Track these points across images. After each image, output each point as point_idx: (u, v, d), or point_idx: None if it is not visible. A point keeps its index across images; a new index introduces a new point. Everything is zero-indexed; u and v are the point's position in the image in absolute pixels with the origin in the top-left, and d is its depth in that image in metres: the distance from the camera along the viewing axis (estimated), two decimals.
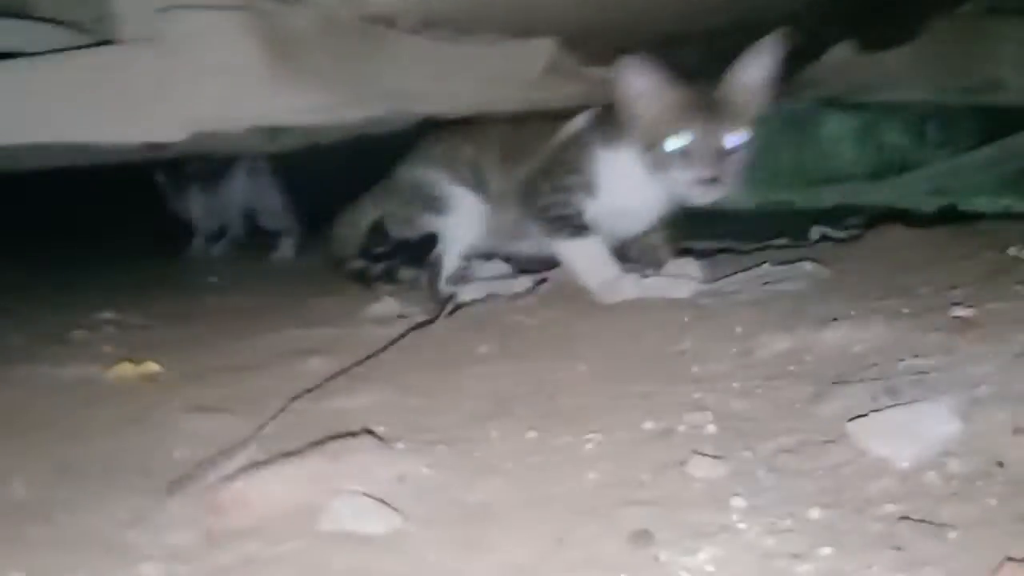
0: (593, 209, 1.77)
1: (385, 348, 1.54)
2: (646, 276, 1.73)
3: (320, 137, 2.47)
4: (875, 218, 2.25)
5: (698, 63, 1.66)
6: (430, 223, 2.05)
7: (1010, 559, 0.71)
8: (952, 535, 0.77)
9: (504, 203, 1.96)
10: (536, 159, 1.88)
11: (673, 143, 1.58)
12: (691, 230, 2.73)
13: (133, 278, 3.03)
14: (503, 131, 2.03)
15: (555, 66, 1.94)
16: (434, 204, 2.03)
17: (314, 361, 1.53)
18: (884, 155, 3.53)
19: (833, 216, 2.89)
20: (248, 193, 3.69)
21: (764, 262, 1.72)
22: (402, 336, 1.60)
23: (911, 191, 3.24)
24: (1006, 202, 2.97)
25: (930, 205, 3.20)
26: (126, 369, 1.54)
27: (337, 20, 1.66)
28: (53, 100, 1.53)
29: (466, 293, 1.91)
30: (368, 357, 1.48)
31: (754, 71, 1.58)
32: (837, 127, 3.71)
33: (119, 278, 3.07)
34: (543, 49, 1.90)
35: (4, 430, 1.29)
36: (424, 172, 2.08)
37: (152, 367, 1.55)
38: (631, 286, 1.68)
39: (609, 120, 1.71)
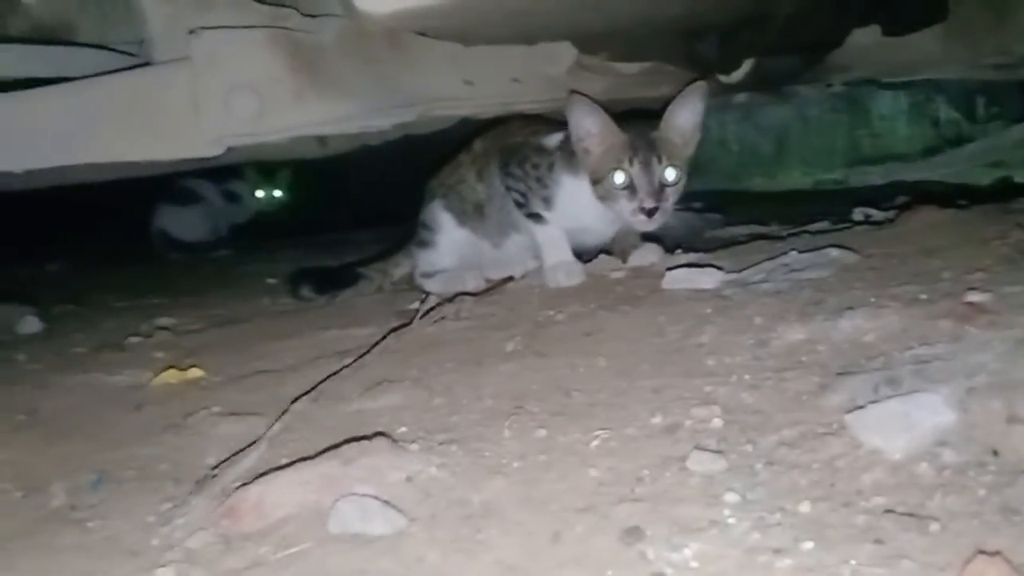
0: (549, 217, 1.94)
1: (415, 347, 1.59)
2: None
3: (368, 140, 2.53)
4: (921, 197, 2.22)
5: (717, 54, 1.67)
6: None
7: (982, 552, 0.72)
8: (934, 527, 0.78)
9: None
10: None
11: (618, 177, 1.76)
12: (741, 212, 2.76)
13: (193, 281, 3.15)
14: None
15: (581, 63, 1.96)
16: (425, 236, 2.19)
17: (350, 362, 1.58)
18: (938, 131, 3.47)
19: (886, 193, 2.85)
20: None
21: (792, 249, 1.71)
22: (431, 335, 1.65)
23: (965, 165, 3.17)
24: None
25: (985, 178, 3.13)
26: (171, 375, 1.62)
27: (362, 32, 1.71)
28: (95, 122, 1.61)
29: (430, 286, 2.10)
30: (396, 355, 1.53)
31: (685, 115, 1.78)
32: (890, 105, 3.66)
33: (180, 280, 3.20)
34: (568, 48, 1.92)
35: (51, 437, 1.38)
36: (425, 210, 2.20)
37: (196, 372, 1.63)
38: (577, 274, 1.90)
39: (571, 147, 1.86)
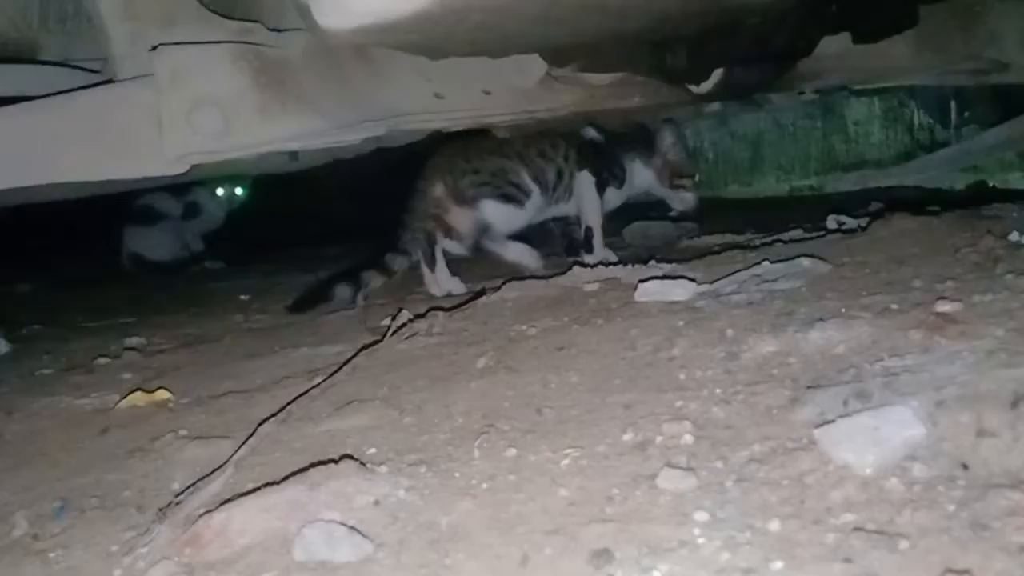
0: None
1: (386, 365, 1.58)
2: None
3: (340, 154, 2.51)
4: (894, 204, 2.23)
5: (686, 65, 1.66)
6: None
7: (951, 571, 0.71)
8: (903, 545, 0.77)
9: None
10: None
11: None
12: (716, 219, 2.78)
13: (164, 298, 3.12)
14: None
15: (551, 75, 1.95)
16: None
17: (320, 381, 1.56)
18: (912, 137, 3.50)
19: (861, 199, 2.87)
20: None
21: (765, 259, 1.71)
22: (402, 352, 1.63)
23: (939, 170, 3.20)
24: None
25: (960, 183, 3.16)
26: (137, 398, 1.59)
27: (329, 47, 1.69)
28: (57, 141, 1.59)
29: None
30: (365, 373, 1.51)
31: (667, 143, 2.63)
32: (864, 111, 3.69)
33: (151, 298, 3.16)
34: (538, 60, 1.91)
35: (15, 463, 1.35)
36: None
37: (163, 395, 1.61)
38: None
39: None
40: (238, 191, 4.36)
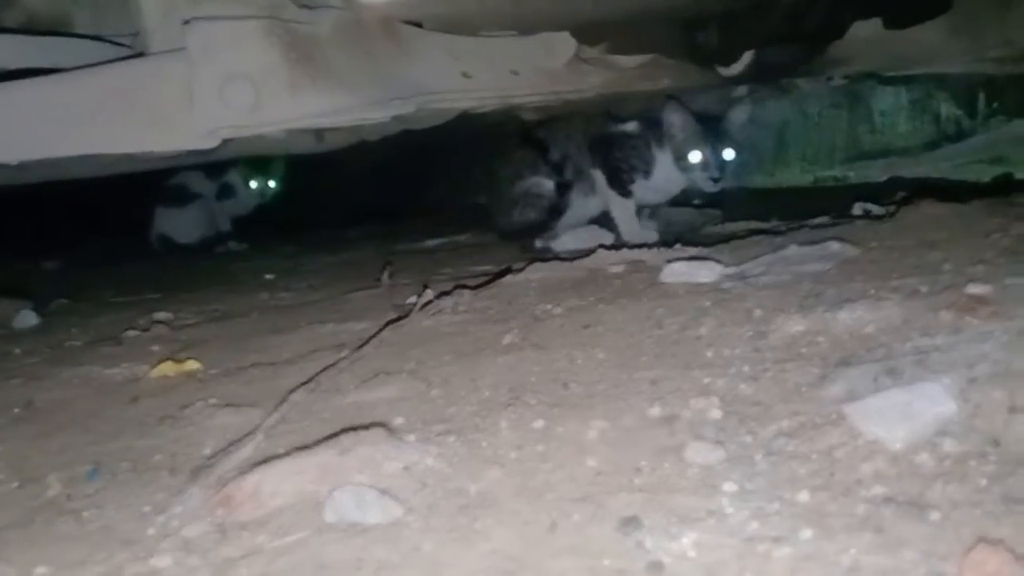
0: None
1: (412, 340, 1.59)
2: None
3: (366, 134, 2.52)
4: (921, 191, 2.21)
5: (717, 45, 1.66)
6: None
7: (983, 540, 0.71)
8: (935, 516, 0.77)
9: None
10: None
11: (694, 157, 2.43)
12: (740, 209, 2.76)
13: (190, 276, 3.14)
14: None
15: (580, 56, 1.95)
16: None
17: (347, 354, 1.57)
18: (938, 127, 3.46)
19: (886, 189, 2.85)
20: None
21: (792, 243, 1.71)
22: (428, 328, 1.64)
23: (965, 161, 3.17)
24: None
25: (986, 175, 3.13)
26: (167, 368, 1.61)
27: (358, 23, 1.69)
28: (89, 113, 1.60)
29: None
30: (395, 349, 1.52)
31: (738, 116, 2.43)
32: (890, 101, 3.65)
33: (177, 276, 3.19)
34: (566, 40, 1.91)
35: (46, 429, 1.37)
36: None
37: (192, 365, 1.62)
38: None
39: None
40: (271, 183, 4.35)
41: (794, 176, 4.14)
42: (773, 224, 2.32)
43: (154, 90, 1.58)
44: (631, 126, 2.50)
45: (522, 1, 1.46)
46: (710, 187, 2.47)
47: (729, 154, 2.41)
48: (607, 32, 1.82)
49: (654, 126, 2.48)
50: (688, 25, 1.72)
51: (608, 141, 2.52)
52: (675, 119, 2.37)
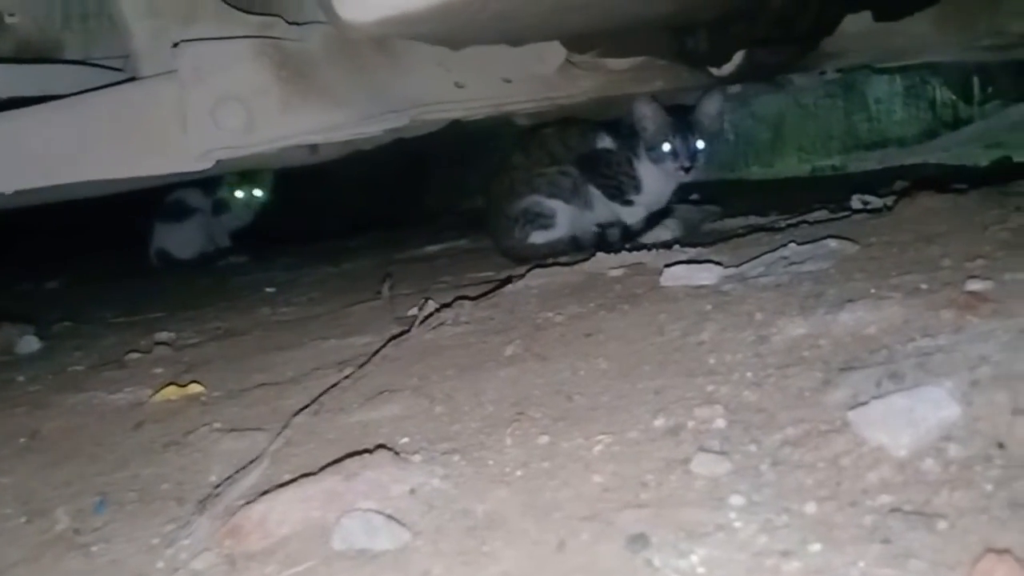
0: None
1: (415, 355, 1.59)
2: None
3: (360, 144, 2.52)
4: (919, 182, 2.21)
5: (708, 48, 1.66)
6: None
7: (991, 550, 0.71)
8: (942, 525, 0.77)
9: None
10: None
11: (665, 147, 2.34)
12: (739, 202, 2.76)
13: (191, 293, 3.15)
14: None
15: (571, 61, 1.95)
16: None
17: (350, 372, 1.57)
18: (935, 114, 3.46)
19: (884, 178, 2.84)
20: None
21: (791, 241, 1.71)
22: (430, 342, 1.64)
23: (962, 148, 3.16)
24: None
25: (984, 159, 3.12)
26: (170, 392, 1.61)
27: (349, 39, 1.69)
28: (82, 140, 1.60)
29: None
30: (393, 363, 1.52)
31: (710, 107, 2.33)
32: (885, 89, 3.65)
33: (178, 293, 3.19)
34: (557, 48, 1.91)
35: (53, 459, 1.37)
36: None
37: (195, 388, 1.62)
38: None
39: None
40: (256, 192, 4.34)
41: (792, 167, 4.13)
42: (772, 219, 2.31)
43: (147, 114, 1.58)
44: (607, 141, 2.44)
45: (509, 20, 1.46)
46: (680, 177, 2.40)
47: (700, 144, 2.35)
48: (596, 40, 1.82)
49: (629, 135, 2.41)
50: (678, 30, 1.72)
51: (594, 159, 2.48)
52: (645, 111, 2.30)
